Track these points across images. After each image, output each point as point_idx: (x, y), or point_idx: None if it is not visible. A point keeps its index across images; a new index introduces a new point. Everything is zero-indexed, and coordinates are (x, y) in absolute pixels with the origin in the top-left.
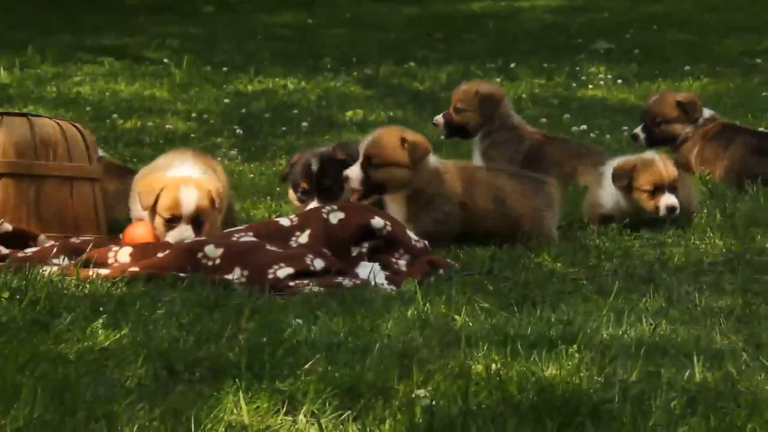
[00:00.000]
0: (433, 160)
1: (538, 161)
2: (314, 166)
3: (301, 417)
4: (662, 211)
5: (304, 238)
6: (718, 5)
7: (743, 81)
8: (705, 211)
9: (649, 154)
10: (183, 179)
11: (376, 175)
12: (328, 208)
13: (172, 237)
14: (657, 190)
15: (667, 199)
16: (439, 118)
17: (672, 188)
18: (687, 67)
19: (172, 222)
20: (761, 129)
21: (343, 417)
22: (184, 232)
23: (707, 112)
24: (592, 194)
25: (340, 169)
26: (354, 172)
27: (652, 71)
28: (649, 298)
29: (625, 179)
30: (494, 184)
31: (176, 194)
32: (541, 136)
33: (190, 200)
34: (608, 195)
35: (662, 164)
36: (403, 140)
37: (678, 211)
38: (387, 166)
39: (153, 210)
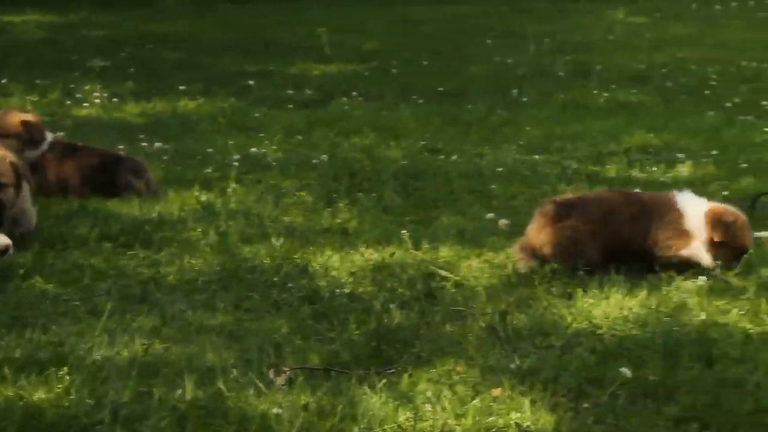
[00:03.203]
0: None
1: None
2: None
3: None
4: None
5: None
6: (214, 25)
7: (237, 101)
8: (200, 229)
9: None
10: None
11: None
12: None
13: None
14: None
15: None
16: None
17: None
18: (182, 87)
19: None
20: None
21: None
22: None
23: (50, 135)
24: None
25: None
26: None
27: (148, 90)
28: (143, 317)
29: None
30: None
31: None
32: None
33: None
34: None
35: None
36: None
37: None
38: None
39: None
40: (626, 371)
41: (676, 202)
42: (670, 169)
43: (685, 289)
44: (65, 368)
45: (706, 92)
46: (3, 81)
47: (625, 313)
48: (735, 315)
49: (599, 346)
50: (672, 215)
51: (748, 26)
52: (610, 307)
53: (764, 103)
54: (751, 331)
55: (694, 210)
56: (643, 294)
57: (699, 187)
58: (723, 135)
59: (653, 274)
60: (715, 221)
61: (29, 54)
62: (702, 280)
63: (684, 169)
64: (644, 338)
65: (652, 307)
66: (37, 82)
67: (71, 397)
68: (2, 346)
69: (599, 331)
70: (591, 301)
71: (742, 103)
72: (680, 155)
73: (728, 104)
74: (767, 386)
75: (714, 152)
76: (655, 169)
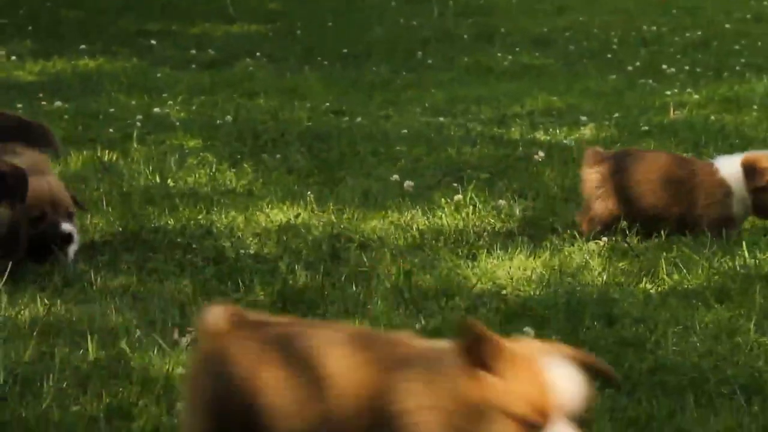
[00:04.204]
0: None
1: None
2: None
3: None
4: None
5: None
6: None
7: (138, 61)
8: (102, 190)
9: None
10: None
11: None
12: None
13: None
14: None
15: None
16: None
17: None
18: (83, 46)
19: None
20: None
21: None
22: None
23: None
24: None
25: None
26: None
27: (47, 49)
28: (45, 278)
29: None
30: None
31: None
32: None
33: None
34: None
35: None
36: None
37: None
38: None
39: None
40: (530, 331)
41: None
42: (573, 132)
43: (587, 250)
44: None
45: (608, 56)
46: None
47: (529, 273)
48: (635, 275)
49: (503, 307)
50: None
51: None
52: (513, 267)
53: (664, 66)
54: (651, 291)
55: (730, 164)
56: (546, 255)
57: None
58: (624, 98)
59: (556, 236)
60: (751, 169)
61: None
62: (604, 241)
63: (587, 132)
64: (547, 298)
65: (555, 267)
66: None
67: None
68: None
69: (503, 292)
70: (495, 262)
71: (642, 66)
72: (583, 118)
73: (629, 68)
74: (666, 345)
75: (616, 115)
76: (558, 131)
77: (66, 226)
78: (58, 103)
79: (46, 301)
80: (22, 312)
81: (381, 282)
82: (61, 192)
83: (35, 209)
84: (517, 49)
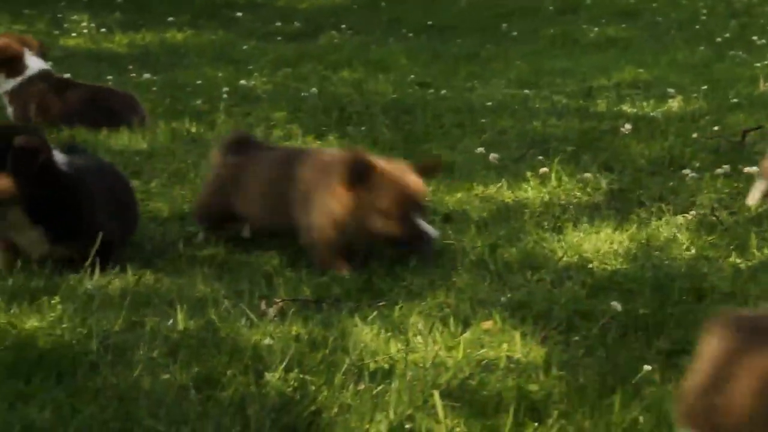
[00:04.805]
0: None
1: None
2: None
3: None
4: None
5: None
6: None
7: (224, 33)
8: (190, 161)
9: None
10: None
11: None
12: None
13: None
14: None
15: None
16: None
17: None
18: (170, 18)
19: None
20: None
21: None
22: None
23: (38, 65)
24: None
25: None
26: None
27: (136, 21)
28: (137, 250)
29: None
30: None
31: None
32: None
33: None
34: None
35: None
36: None
37: None
38: None
39: None
40: (616, 305)
41: None
42: (661, 104)
43: (675, 224)
44: (57, 297)
45: (696, 27)
46: None
47: (615, 247)
48: (724, 249)
49: (589, 280)
50: None
51: None
52: (600, 241)
53: (754, 38)
54: (740, 265)
55: None
56: (632, 228)
57: (689, 122)
58: (713, 70)
59: (643, 209)
60: None
61: None
62: (692, 214)
63: (674, 104)
64: (634, 272)
65: (642, 241)
66: (25, 11)
67: (64, 325)
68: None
69: (589, 265)
70: (581, 235)
71: (732, 38)
72: (670, 90)
73: (718, 39)
74: None
75: (704, 87)
76: (645, 104)
77: (427, 228)
78: (146, 75)
79: (135, 271)
80: (112, 282)
81: (466, 254)
82: (418, 186)
83: (396, 207)
84: (603, 20)
